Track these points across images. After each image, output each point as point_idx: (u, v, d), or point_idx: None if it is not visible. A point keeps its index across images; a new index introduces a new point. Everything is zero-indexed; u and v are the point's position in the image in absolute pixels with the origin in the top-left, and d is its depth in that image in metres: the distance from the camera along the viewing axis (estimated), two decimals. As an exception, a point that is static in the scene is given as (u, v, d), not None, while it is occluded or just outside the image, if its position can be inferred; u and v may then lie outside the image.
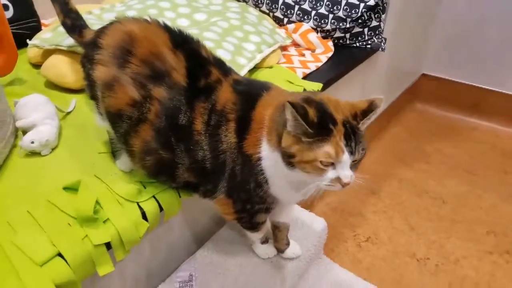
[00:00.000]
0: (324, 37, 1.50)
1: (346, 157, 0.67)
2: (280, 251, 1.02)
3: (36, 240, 0.73)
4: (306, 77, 1.31)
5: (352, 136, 0.67)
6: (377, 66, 1.72)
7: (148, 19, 0.83)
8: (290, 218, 0.98)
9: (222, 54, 1.17)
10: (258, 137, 0.74)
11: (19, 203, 0.80)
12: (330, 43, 1.48)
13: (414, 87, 2.27)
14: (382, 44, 1.53)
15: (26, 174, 0.89)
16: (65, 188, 0.83)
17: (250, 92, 0.78)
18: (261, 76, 1.26)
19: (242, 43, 1.26)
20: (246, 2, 1.61)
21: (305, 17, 1.49)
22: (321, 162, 0.67)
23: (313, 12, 1.47)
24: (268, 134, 0.73)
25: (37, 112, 0.95)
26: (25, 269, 0.69)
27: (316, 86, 1.25)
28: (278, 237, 1.00)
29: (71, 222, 0.77)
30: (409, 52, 2.06)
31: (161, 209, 0.85)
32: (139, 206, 0.82)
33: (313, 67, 1.36)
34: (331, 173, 0.68)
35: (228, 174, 0.78)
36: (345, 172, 0.68)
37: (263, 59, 1.30)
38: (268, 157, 0.74)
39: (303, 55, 1.44)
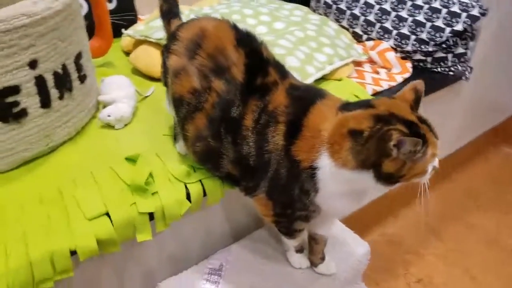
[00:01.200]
0: (403, 58, 1.49)
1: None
2: (313, 264, 1.02)
3: (91, 197, 0.85)
4: (375, 94, 1.32)
5: (428, 126, 0.72)
6: (459, 96, 1.65)
7: (220, 17, 0.92)
8: (329, 232, 0.98)
9: (291, 61, 1.23)
10: (313, 145, 0.76)
11: (87, 164, 0.94)
12: (408, 65, 1.46)
13: (502, 127, 2.11)
14: (467, 73, 1.47)
15: (99, 142, 1.03)
16: (127, 159, 0.95)
17: (304, 98, 0.81)
18: (328, 87, 1.30)
19: (314, 53, 1.31)
20: (327, 16, 1.66)
21: (385, 36, 1.50)
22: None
23: (394, 32, 1.47)
24: (335, 150, 0.73)
25: (118, 91, 1.10)
26: (76, 219, 0.81)
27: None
28: (314, 250, 1.01)
29: (124, 188, 0.88)
30: (499, 86, 1.92)
31: (204, 194, 0.93)
32: (186, 187, 0.91)
33: (385, 85, 1.36)
34: (430, 167, 0.73)
35: (271, 174, 0.82)
36: (437, 159, 0.73)
37: (333, 71, 1.33)
38: (329, 170, 0.75)
39: (378, 72, 1.44)
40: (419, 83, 0.75)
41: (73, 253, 0.77)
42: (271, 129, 0.80)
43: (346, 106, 0.78)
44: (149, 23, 1.38)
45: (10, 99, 0.84)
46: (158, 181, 0.90)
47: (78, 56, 0.99)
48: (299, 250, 1.02)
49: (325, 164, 0.75)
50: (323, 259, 1.02)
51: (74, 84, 0.98)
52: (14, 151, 0.89)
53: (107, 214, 0.82)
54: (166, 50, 0.93)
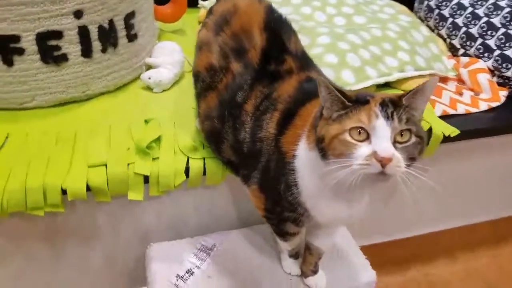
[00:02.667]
0: (499, 84, 1.29)
1: (381, 123, 0.59)
2: (303, 274, 0.97)
3: (98, 147, 0.93)
4: (445, 116, 1.17)
5: (390, 104, 0.61)
6: None
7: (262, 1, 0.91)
8: (325, 245, 0.92)
9: (352, 59, 1.16)
10: (298, 134, 0.73)
11: (111, 118, 1.02)
12: (503, 93, 1.26)
13: None
14: None
15: (132, 101, 1.11)
16: (145, 121, 1.01)
17: (312, 91, 0.78)
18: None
19: (385, 56, 1.22)
20: (427, 21, 1.51)
21: (485, 55, 1.31)
22: (350, 133, 0.60)
23: (497, 52, 1.28)
24: (308, 131, 0.71)
25: (165, 57, 1.16)
26: (77, 163, 0.89)
27: (450, 130, 1.11)
28: (307, 260, 0.96)
29: (132, 147, 0.94)
30: None
31: (204, 173, 0.94)
32: (188, 161, 0.94)
33: (462, 110, 1.20)
34: (364, 148, 0.60)
35: (262, 165, 0.81)
36: (382, 144, 0.58)
37: (403, 80, 1.22)
38: (303, 156, 0.72)
39: (461, 94, 1.28)
40: (435, 80, 0.64)
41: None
42: (267, 116, 0.78)
43: None
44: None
45: (53, 43, 0.95)
46: (164, 149, 0.95)
47: (130, 15, 1.08)
48: (293, 255, 0.98)
49: (301, 149, 0.72)
50: (314, 272, 0.97)
51: (121, 41, 1.07)
52: (51, 91, 1.01)
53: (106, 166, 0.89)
54: (203, 23, 0.96)
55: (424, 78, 1.25)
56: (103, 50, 1.04)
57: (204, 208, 1.07)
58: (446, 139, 1.12)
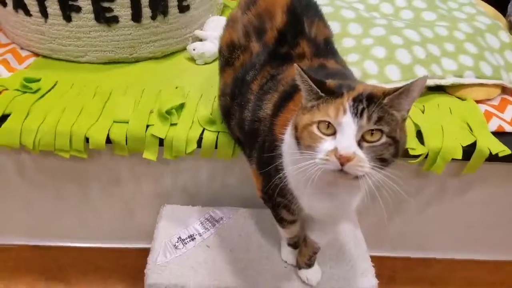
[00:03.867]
0: None
1: (348, 119, 0.57)
2: (297, 265, 0.97)
3: (126, 106, 1.01)
4: (500, 133, 1.05)
5: (364, 100, 0.57)
6: None
7: None
8: (321, 240, 0.90)
9: (402, 55, 1.09)
10: (288, 118, 0.73)
11: (149, 81, 1.10)
12: None
13: None
14: None
15: (175, 68, 1.18)
16: (176, 88, 1.07)
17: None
18: (437, 101, 1.11)
19: (443, 57, 1.12)
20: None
21: None
22: (318, 126, 0.59)
23: None
24: (295, 116, 0.69)
25: (214, 31, 1.20)
26: (105, 116, 0.99)
27: (498, 148, 1.00)
28: (302, 252, 0.95)
29: (155, 111, 1.01)
30: None
31: (216, 147, 0.98)
32: (203, 133, 0.98)
33: (523, 130, 1.07)
34: (328, 143, 0.58)
35: (258, 145, 0.81)
36: (344, 140, 0.57)
37: (459, 86, 1.11)
38: (287, 141, 0.71)
39: (531, 112, 1.13)
40: (423, 80, 0.59)
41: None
42: (267, 97, 0.79)
43: None
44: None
45: (105, 4, 1.05)
46: (183, 117, 1.00)
47: (183, -14, 1.13)
48: (291, 244, 0.98)
49: (287, 134, 0.71)
50: (309, 265, 0.95)
51: (171, 10, 1.14)
52: (102, 49, 1.12)
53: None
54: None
55: (488, 88, 1.13)
56: (153, 17, 1.11)
57: (218, 182, 1.10)
58: (494, 158, 1.01)
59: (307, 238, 0.92)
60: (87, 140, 0.96)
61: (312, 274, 0.96)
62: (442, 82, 1.09)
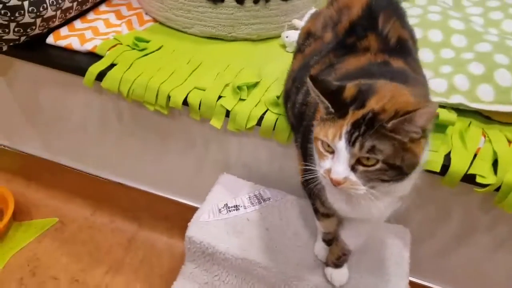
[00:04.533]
0: None
1: (341, 145, 0.60)
2: (326, 262, 0.96)
3: (208, 76, 1.12)
4: None
5: (363, 127, 0.58)
6: None
7: None
8: (352, 242, 0.89)
9: (504, 76, 0.99)
10: None
11: (237, 59, 1.19)
12: None
13: None
14: None
15: (265, 52, 1.25)
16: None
17: (371, 73, 0.74)
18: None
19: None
20: None
21: None
22: (322, 143, 0.63)
23: None
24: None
25: (312, 22, 1.24)
26: (189, 81, 1.11)
27: None
28: (332, 250, 0.94)
29: (230, 84, 1.09)
30: None
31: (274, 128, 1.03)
32: (265, 113, 1.04)
33: None
34: (327, 162, 0.63)
35: (302, 129, 0.84)
36: (337, 165, 0.61)
37: None
38: None
39: None
40: (433, 104, 0.56)
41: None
42: None
43: None
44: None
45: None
46: (253, 95, 1.07)
47: (289, -25, 1.19)
48: (326, 241, 0.98)
49: None
50: (337, 266, 0.95)
51: (274, -3, 1.20)
52: (206, 24, 1.24)
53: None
54: None
55: None
56: (255, 1, 1.19)
57: (275, 165, 1.15)
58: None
59: (338, 237, 0.92)
60: (169, 98, 1.09)
61: (338, 275, 0.95)
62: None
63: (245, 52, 1.24)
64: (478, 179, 0.89)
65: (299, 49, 0.95)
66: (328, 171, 0.62)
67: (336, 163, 0.61)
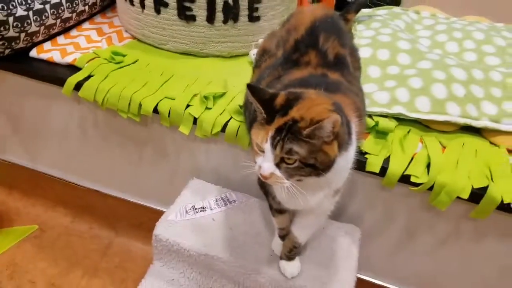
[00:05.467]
0: None
1: (267, 147, 0.71)
2: (280, 256, 1.06)
3: (177, 87, 1.23)
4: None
5: (284, 132, 0.70)
6: None
7: (330, 11, 1.02)
8: (300, 235, 0.99)
9: (438, 90, 1.11)
10: None
11: (207, 73, 1.31)
12: None
13: None
14: None
15: (235, 67, 1.36)
16: (224, 80, 1.26)
17: (308, 84, 0.84)
18: (464, 140, 1.10)
19: (484, 100, 1.11)
20: None
21: None
22: (256, 143, 0.74)
23: None
24: None
25: (277, 42, 1.37)
26: (160, 91, 1.22)
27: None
28: (284, 244, 1.03)
29: (198, 94, 1.21)
30: None
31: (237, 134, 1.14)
32: (229, 120, 1.15)
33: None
34: (259, 160, 0.74)
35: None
36: (264, 163, 0.72)
37: (495, 132, 1.10)
38: None
39: None
40: (334, 119, 0.68)
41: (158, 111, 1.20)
42: None
43: None
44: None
45: (187, 4, 1.29)
46: (218, 105, 1.19)
47: (255, 0, 1.32)
48: (281, 237, 1.07)
49: None
50: (289, 258, 1.04)
51: (241, 18, 1.34)
52: (179, 41, 1.37)
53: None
54: None
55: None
56: (224, 22, 1.32)
57: (241, 169, 1.24)
58: (509, 209, 0.98)
59: (289, 231, 1.02)
60: (141, 106, 1.20)
61: (290, 267, 1.05)
62: (473, 123, 1.08)
63: (215, 67, 1.36)
64: (413, 179, 1.01)
65: (256, 65, 1.07)
66: (260, 167, 0.73)
67: (264, 161, 0.72)
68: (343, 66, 0.95)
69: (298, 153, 0.70)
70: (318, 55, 0.93)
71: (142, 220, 1.57)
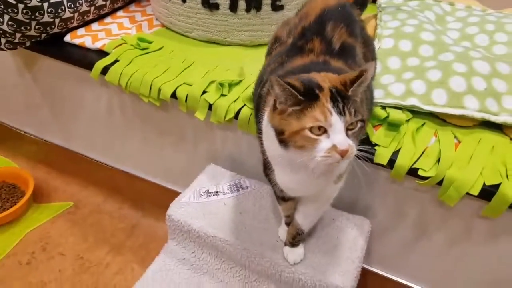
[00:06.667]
0: None
1: (335, 119, 0.68)
2: (285, 242, 1.09)
3: (196, 74, 1.28)
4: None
5: (339, 98, 0.70)
6: None
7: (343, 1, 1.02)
8: (304, 223, 1.01)
9: (457, 83, 1.09)
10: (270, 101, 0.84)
11: (227, 61, 1.35)
12: None
13: None
14: None
15: (256, 56, 1.39)
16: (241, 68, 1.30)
17: (308, 70, 0.84)
18: (481, 136, 1.07)
19: (507, 95, 1.07)
20: None
21: None
22: (311, 130, 0.70)
23: None
24: (271, 110, 0.79)
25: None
26: (180, 77, 1.28)
27: None
28: (288, 231, 1.06)
29: (214, 81, 1.25)
30: None
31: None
32: (242, 107, 1.19)
33: None
34: (325, 143, 0.70)
35: (258, 119, 0.95)
36: (340, 137, 0.69)
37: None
38: (265, 125, 0.84)
39: None
40: (370, 64, 0.72)
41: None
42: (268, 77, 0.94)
43: None
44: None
45: (211, -7, 1.34)
46: (233, 92, 1.23)
47: (277, -10, 1.34)
48: (287, 224, 1.10)
49: (265, 119, 0.85)
50: (292, 244, 1.07)
51: (264, 7, 1.36)
52: (203, 29, 1.42)
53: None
54: None
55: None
56: (247, 10, 1.35)
57: (255, 157, 1.28)
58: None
59: (293, 218, 1.04)
60: (160, 91, 1.26)
61: (293, 253, 1.08)
62: (492, 118, 1.05)
63: (236, 55, 1.40)
64: (420, 172, 1.00)
65: (268, 52, 1.09)
66: (333, 148, 0.69)
67: (337, 137, 0.69)
68: (348, 55, 0.95)
69: (359, 112, 0.71)
70: (322, 42, 0.93)
71: (168, 202, 1.64)
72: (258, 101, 0.97)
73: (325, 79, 0.73)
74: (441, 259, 1.17)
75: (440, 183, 1.00)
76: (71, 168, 1.84)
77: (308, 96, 0.70)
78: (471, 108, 1.06)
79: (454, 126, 1.09)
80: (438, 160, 1.01)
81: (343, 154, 0.68)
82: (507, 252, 1.06)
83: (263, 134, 0.87)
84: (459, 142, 1.06)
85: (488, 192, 0.97)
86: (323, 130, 0.69)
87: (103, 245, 1.60)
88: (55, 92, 1.58)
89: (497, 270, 1.10)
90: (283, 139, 0.73)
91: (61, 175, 1.86)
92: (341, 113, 0.69)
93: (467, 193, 0.98)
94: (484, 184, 0.97)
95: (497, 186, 0.96)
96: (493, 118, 1.05)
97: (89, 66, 1.35)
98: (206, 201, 1.23)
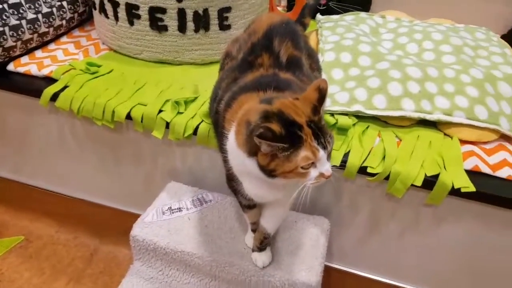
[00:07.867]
0: None
1: (322, 154, 0.79)
2: (252, 248, 1.14)
3: (150, 94, 1.33)
4: (475, 172, 1.11)
5: (319, 132, 0.79)
6: None
7: (286, 17, 1.12)
8: (269, 226, 1.07)
9: (395, 88, 1.22)
10: (232, 119, 0.90)
11: (180, 80, 1.41)
12: None
13: None
14: None
15: (208, 72, 1.46)
16: (195, 85, 1.36)
17: (260, 83, 0.93)
18: (419, 133, 1.20)
19: (438, 95, 1.22)
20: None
21: None
22: (302, 167, 0.79)
23: None
24: (238, 132, 0.86)
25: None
26: (133, 98, 1.31)
27: (462, 183, 1.06)
28: (255, 236, 1.12)
29: (170, 100, 1.30)
30: None
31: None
32: (200, 123, 1.24)
33: (505, 174, 1.10)
34: (313, 172, 0.80)
35: (217, 135, 1.02)
36: (326, 167, 0.81)
37: (448, 124, 1.21)
38: (231, 143, 0.89)
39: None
40: (323, 81, 0.79)
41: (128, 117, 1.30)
42: (225, 95, 1.00)
43: (265, 100, 0.88)
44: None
45: (158, 15, 1.40)
46: (190, 109, 1.28)
47: (224, 10, 1.43)
48: (253, 231, 1.16)
49: (231, 138, 0.90)
50: (259, 249, 1.13)
51: (212, 27, 1.44)
52: (153, 50, 1.47)
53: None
54: None
55: (481, 131, 1.19)
56: (196, 31, 1.43)
57: (217, 170, 1.34)
58: (460, 194, 1.08)
59: (259, 223, 1.11)
60: (114, 113, 1.29)
61: (261, 256, 1.14)
62: (427, 117, 1.19)
63: (189, 74, 1.46)
64: (369, 170, 1.12)
65: (220, 68, 1.16)
66: (320, 175, 0.80)
67: (323, 166, 0.80)
68: (296, 66, 1.04)
69: (331, 136, 0.81)
70: (271, 57, 1.02)
71: (127, 226, 1.64)
72: (215, 117, 1.03)
73: (297, 111, 0.80)
74: (395, 248, 1.29)
75: (387, 178, 1.12)
76: (20, 200, 1.79)
77: (293, 141, 0.78)
78: (408, 109, 1.20)
79: (394, 127, 1.23)
80: (384, 157, 1.13)
81: (328, 178, 0.81)
82: (448, 235, 1.20)
83: (229, 154, 0.92)
84: (400, 140, 1.19)
85: (430, 182, 1.10)
86: (312, 164, 0.79)
87: (61, 276, 1.57)
88: (-1, 123, 1.55)
89: (441, 253, 1.24)
90: (272, 174, 0.81)
91: (10, 208, 1.80)
92: (324, 147, 0.79)
93: (412, 185, 1.10)
94: (425, 175, 1.10)
95: (437, 176, 1.09)
96: (428, 117, 1.20)
97: (36, 94, 1.35)
98: (170, 218, 1.26)
